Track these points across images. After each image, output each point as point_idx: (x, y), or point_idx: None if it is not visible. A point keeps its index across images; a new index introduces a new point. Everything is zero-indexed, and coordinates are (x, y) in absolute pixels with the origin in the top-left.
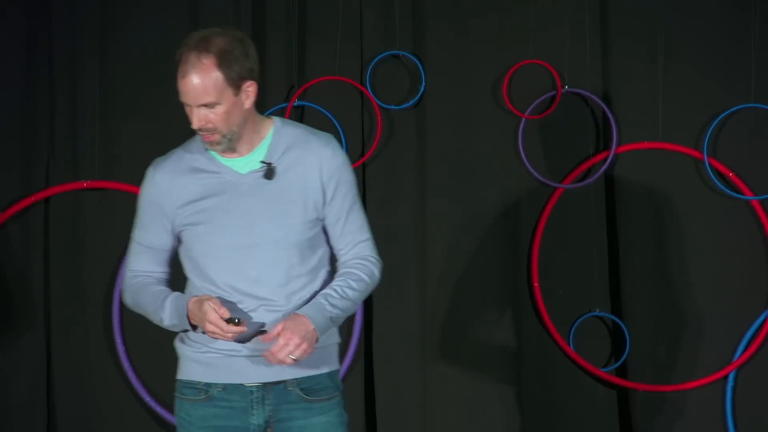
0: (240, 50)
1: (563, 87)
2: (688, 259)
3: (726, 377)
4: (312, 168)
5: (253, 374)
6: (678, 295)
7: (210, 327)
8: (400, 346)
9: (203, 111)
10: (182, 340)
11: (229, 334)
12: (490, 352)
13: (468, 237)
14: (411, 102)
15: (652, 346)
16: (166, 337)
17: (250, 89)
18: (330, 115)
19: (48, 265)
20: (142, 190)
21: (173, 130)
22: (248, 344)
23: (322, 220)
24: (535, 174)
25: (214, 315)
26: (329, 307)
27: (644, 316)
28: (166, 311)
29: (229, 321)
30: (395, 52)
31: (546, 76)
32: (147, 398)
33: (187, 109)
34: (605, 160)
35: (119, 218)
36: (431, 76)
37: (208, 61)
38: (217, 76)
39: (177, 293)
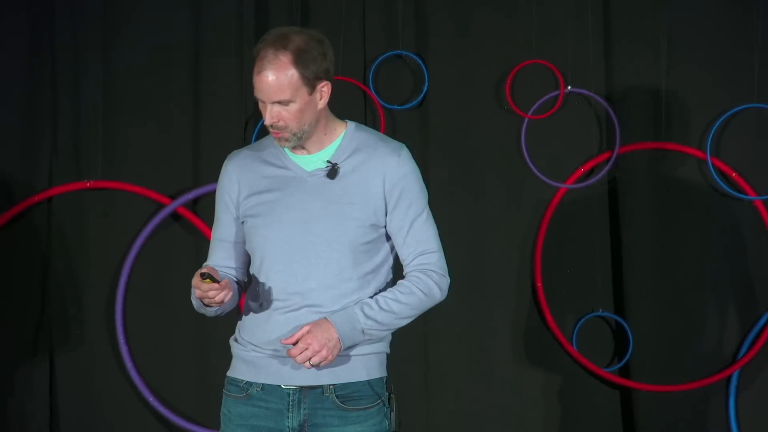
0: (317, 50)
1: (566, 87)
2: (691, 259)
3: (729, 377)
4: (375, 174)
5: (291, 377)
6: (681, 294)
7: (197, 292)
8: (402, 345)
9: (276, 108)
10: (235, 339)
11: (211, 292)
12: (492, 351)
13: (471, 237)
14: (414, 102)
15: (655, 346)
16: (170, 337)
17: (324, 89)
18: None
19: (50, 264)
20: (219, 181)
21: (176, 129)
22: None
23: (383, 227)
24: (538, 174)
25: (196, 279)
26: (362, 318)
27: (647, 316)
28: (192, 295)
29: (208, 278)
30: (398, 52)
31: (549, 76)
32: (150, 399)
33: (261, 105)
34: (608, 160)
35: (122, 218)
36: (434, 76)
37: (285, 59)
38: (292, 73)
39: None
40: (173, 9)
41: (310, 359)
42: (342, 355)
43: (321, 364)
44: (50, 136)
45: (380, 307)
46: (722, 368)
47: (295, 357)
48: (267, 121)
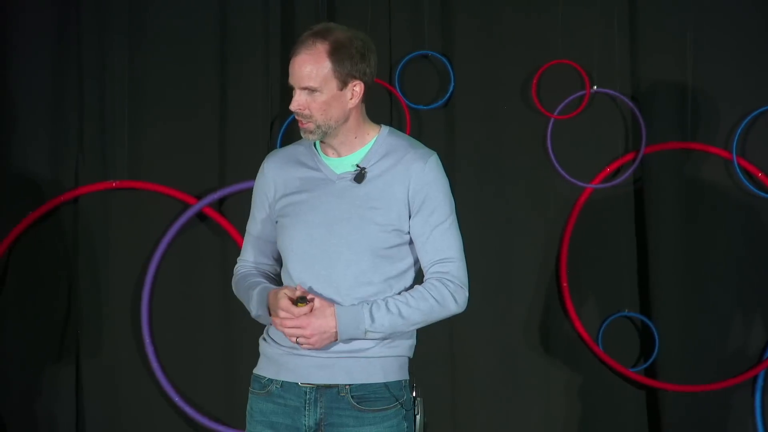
0: (357, 49)
1: (592, 87)
2: (717, 259)
3: (755, 377)
4: (401, 179)
5: (308, 375)
6: (707, 294)
7: (281, 314)
8: (429, 346)
9: (304, 96)
10: (263, 337)
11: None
12: (518, 352)
13: (496, 237)
14: (440, 102)
15: (681, 345)
16: (196, 337)
17: (356, 89)
18: None
19: (77, 264)
20: (255, 181)
21: (202, 129)
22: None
23: (407, 233)
24: (564, 174)
25: (285, 302)
26: (368, 319)
27: (673, 315)
28: (253, 302)
29: (299, 300)
30: (424, 52)
31: (575, 76)
32: (176, 399)
33: (293, 93)
34: (634, 159)
35: (148, 218)
36: (460, 76)
37: (322, 47)
38: (325, 64)
39: (266, 284)
40: (199, 10)
41: (297, 338)
42: (360, 356)
43: (304, 348)
44: (77, 137)
45: (388, 309)
46: (748, 368)
47: (285, 327)
48: (292, 106)
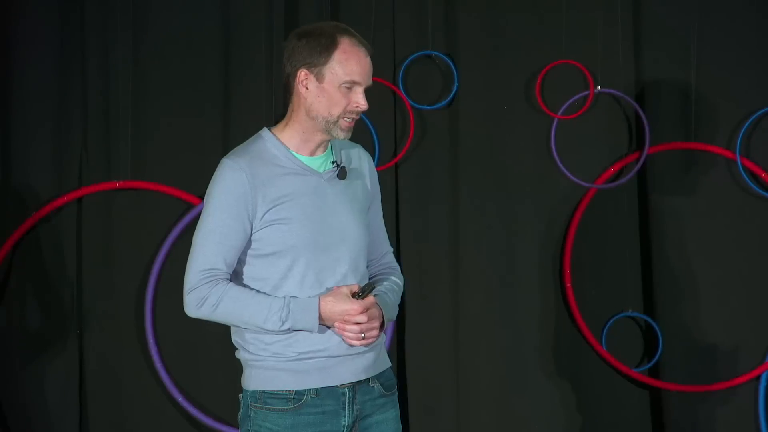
0: None
1: (596, 87)
2: (721, 259)
3: (758, 378)
4: (364, 174)
5: (346, 375)
6: (710, 294)
7: (361, 318)
8: (433, 346)
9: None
10: (254, 350)
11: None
12: (522, 352)
13: (500, 237)
14: (443, 102)
15: (685, 346)
16: (200, 337)
17: None
18: (363, 116)
19: (80, 264)
20: (226, 187)
21: (206, 129)
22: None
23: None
24: (568, 174)
25: (357, 305)
26: (395, 310)
27: (677, 315)
28: (292, 313)
29: (362, 291)
30: (428, 52)
31: (578, 77)
32: (180, 398)
33: (345, 89)
34: (638, 160)
35: (151, 218)
36: (464, 76)
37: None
38: None
39: (289, 296)
40: (203, 10)
41: (363, 337)
42: (379, 344)
43: (363, 344)
44: (80, 137)
45: (395, 297)
46: (752, 368)
47: (351, 331)
48: (365, 105)
